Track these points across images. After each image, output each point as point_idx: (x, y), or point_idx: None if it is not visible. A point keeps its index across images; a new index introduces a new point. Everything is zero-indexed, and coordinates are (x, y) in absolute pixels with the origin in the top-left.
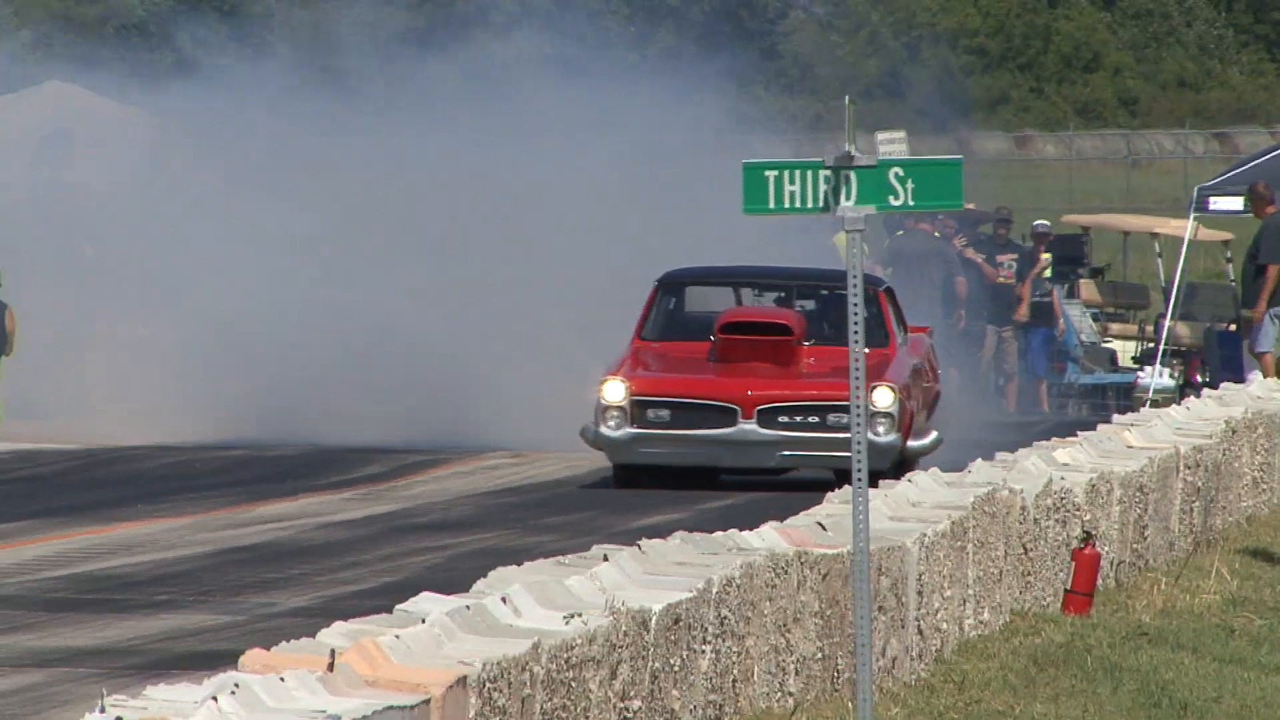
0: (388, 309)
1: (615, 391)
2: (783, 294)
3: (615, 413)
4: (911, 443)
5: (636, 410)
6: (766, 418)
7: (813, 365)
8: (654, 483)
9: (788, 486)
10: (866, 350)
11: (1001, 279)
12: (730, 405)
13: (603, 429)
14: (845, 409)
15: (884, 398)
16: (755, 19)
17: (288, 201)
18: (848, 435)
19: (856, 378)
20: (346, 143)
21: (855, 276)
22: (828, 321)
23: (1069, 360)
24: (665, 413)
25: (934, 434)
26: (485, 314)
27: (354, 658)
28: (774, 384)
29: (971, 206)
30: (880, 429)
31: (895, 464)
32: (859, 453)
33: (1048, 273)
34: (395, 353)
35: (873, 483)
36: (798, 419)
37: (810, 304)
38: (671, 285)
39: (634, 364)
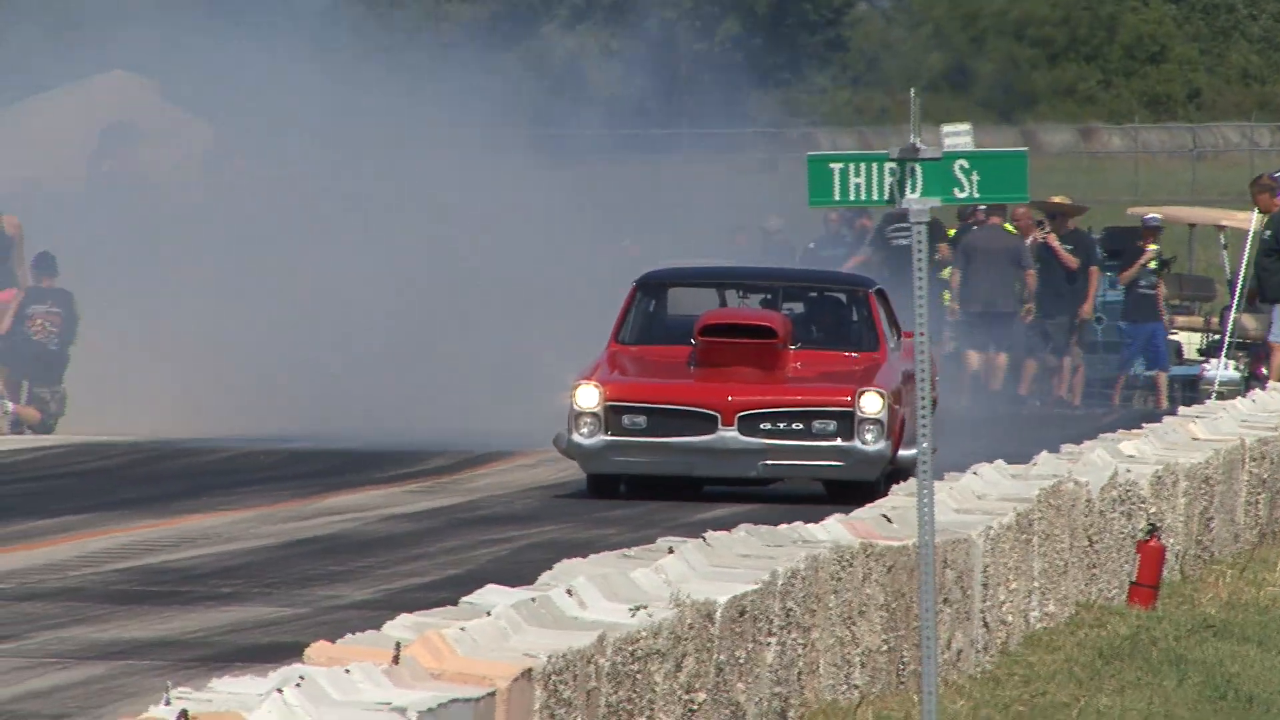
0: (439, 305)
1: (588, 397)
2: (769, 296)
3: (588, 419)
4: (903, 452)
5: (611, 416)
6: (748, 425)
7: (799, 370)
8: (633, 493)
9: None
10: (855, 354)
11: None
12: (709, 411)
13: (575, 436)
14: (832, 416)
15: (872, 403)
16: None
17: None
18: (834, 444)
19: (922, 363)
20: (373, 149)
21: (920, 269)
22: (815, 324)
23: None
24: (641, 419)
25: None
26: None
27: (419, 650)
28: (756, 389)
29: (1056, 199)
30: (868, 436)
31: (885, 474)
32: (924, 440)
33: (1153, 264)
34: (449, 345)
35: (859, 496)
36: (781, 426)
37: (798, 306)
38: (651, 286)
39: (609, 368)
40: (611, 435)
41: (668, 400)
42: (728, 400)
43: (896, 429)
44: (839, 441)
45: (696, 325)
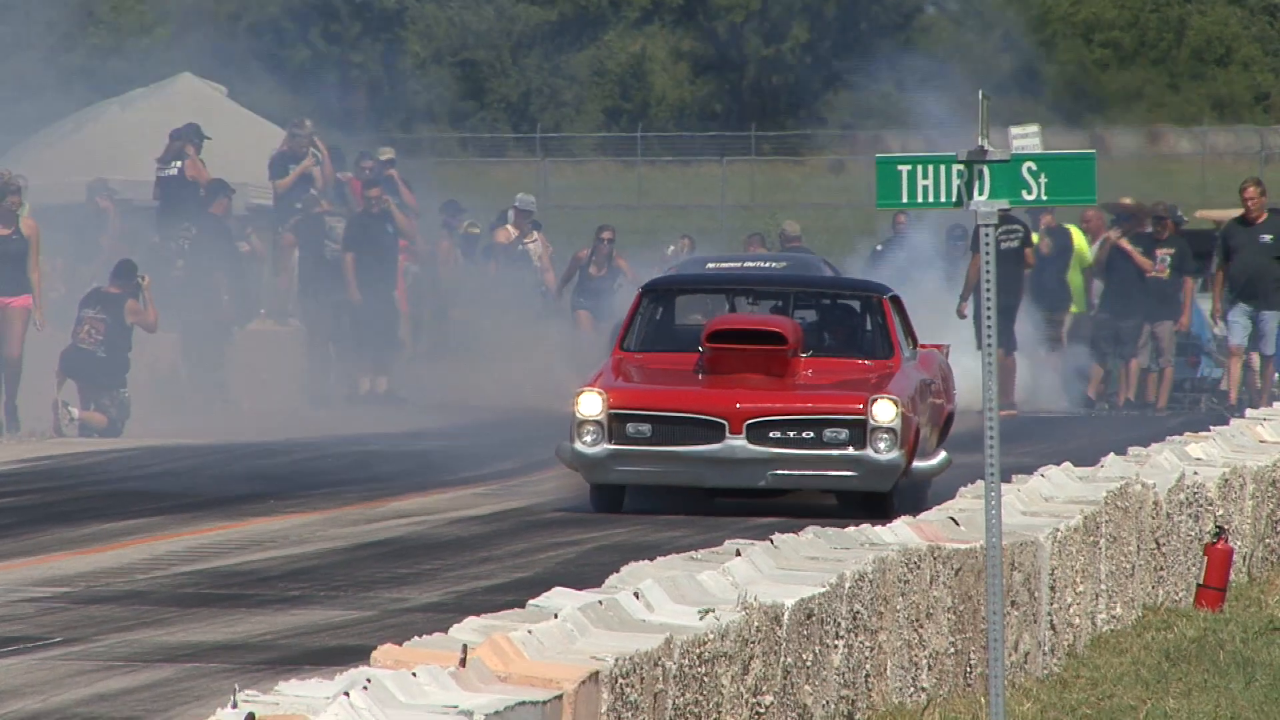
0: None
1: (591, 405)
2: (779, 302)
3: (591, 428)
4: (917, 463)
5: (614, 425)
6: (756, 433)
7: (809, 377)
8: (637, 505)
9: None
10: (868, 362)
11: (1155, 273)
12: (716, 419)
13: (578, 445)
14: (843, 424)
15: (885, 411)
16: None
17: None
18: (845, 453)
19: (989, 359)
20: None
21: (988, 270)
22: (827, 331)
23: (1202, 354)
24: (646, 427)
25: (943, 454)
26: None
27: (486, 653)
28: (765, 396)
29: (1127, 201)
30: (881, 445)
31: (898, 486)
32: (990, 441)
33: None
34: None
35: (872, 510)
36: (790, 434)
37: (809, 313)
38: (657, 292)
39: (613, 375)
40: (615, 444)
41: (673, 408)
42: (735, 408)
43: (911, 439)
44: (850, 451)
45: (704, 331)
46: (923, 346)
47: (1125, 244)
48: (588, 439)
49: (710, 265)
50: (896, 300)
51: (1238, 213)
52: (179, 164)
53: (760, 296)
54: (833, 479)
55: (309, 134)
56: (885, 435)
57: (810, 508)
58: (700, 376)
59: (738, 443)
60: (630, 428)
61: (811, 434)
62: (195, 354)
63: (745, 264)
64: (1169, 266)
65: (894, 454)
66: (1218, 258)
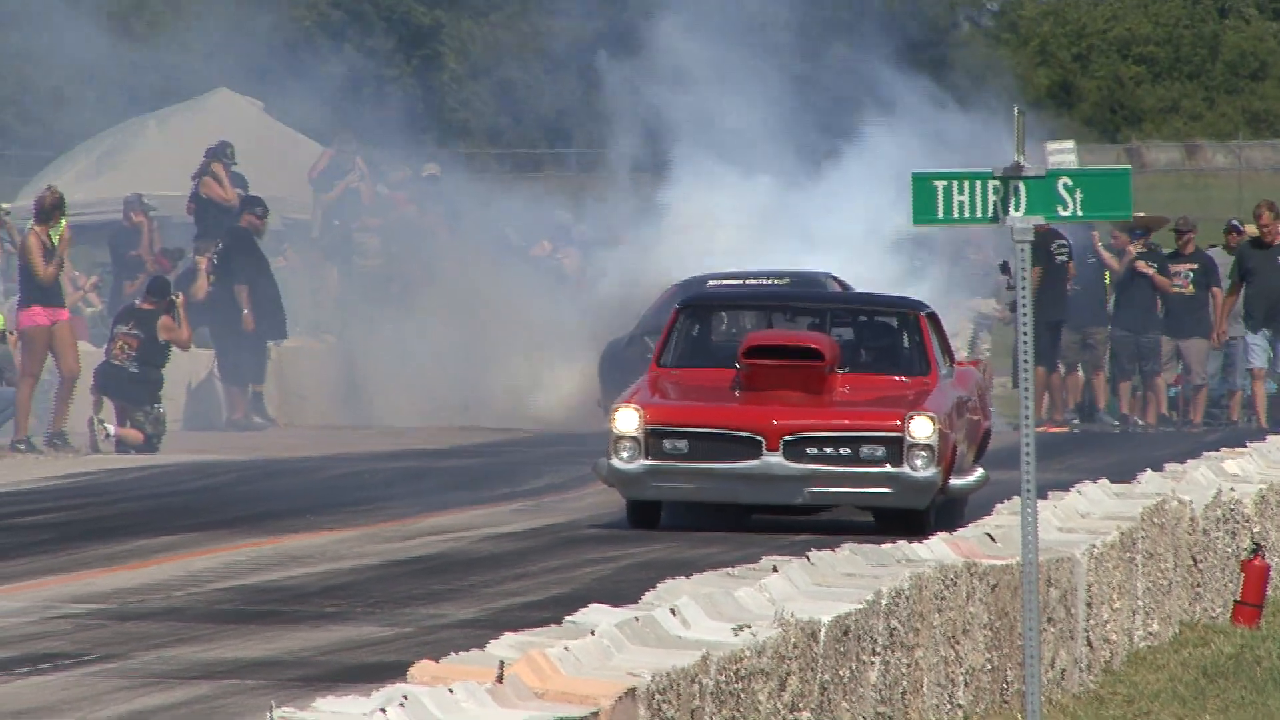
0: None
1: (628, 420)
2: (816, 319)
3: (628, 444)
4: (954, 480)
5: (651, 441)
6: (793, 450)
7: (846, 394)
8: (674, 521)
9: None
10: (905, 379)
11: (1176, 288)
12: (753, 436)
13: (614, 461)
14: (880, 441)
15: (922, 428)
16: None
17: None
18: (882, 470)
19: (1026, 375)
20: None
21: (1024, 287)
22: (864, 348)
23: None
24: (682, 443)
25: (980, 471)
26: None
27: (523, 669)
28: (802, 413)
29: (1140, 215)
30: (918, 462)
31: (935, 504)
32: (1027, 457)
33: None
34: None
35: (909, 526)
36: (827, 451)
37: (846, 329)
38: (694, 308)
39: (649, 391)
40: (652, 460)
41: (710, 424)
42: (772, 424)
43: (948, 456)
44: (888, 467)
45: (740, 347)
46: (959, 364)
47: (1143, 266)
48: (624, 455)
49: (712, 284)
50: (934, 317)
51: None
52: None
53: (797, 313)
54: (869, 496)
55: (353, 150)
56: (922, 452)
57: (847, 525)
58: (737, 393)
59: (774, 459)
60: (667, 444)
61: (848, 451)
62: (230, 370)
63: (747, 281)
64: (1191, 281)
65: (930, 471)
66: (1232, 280)
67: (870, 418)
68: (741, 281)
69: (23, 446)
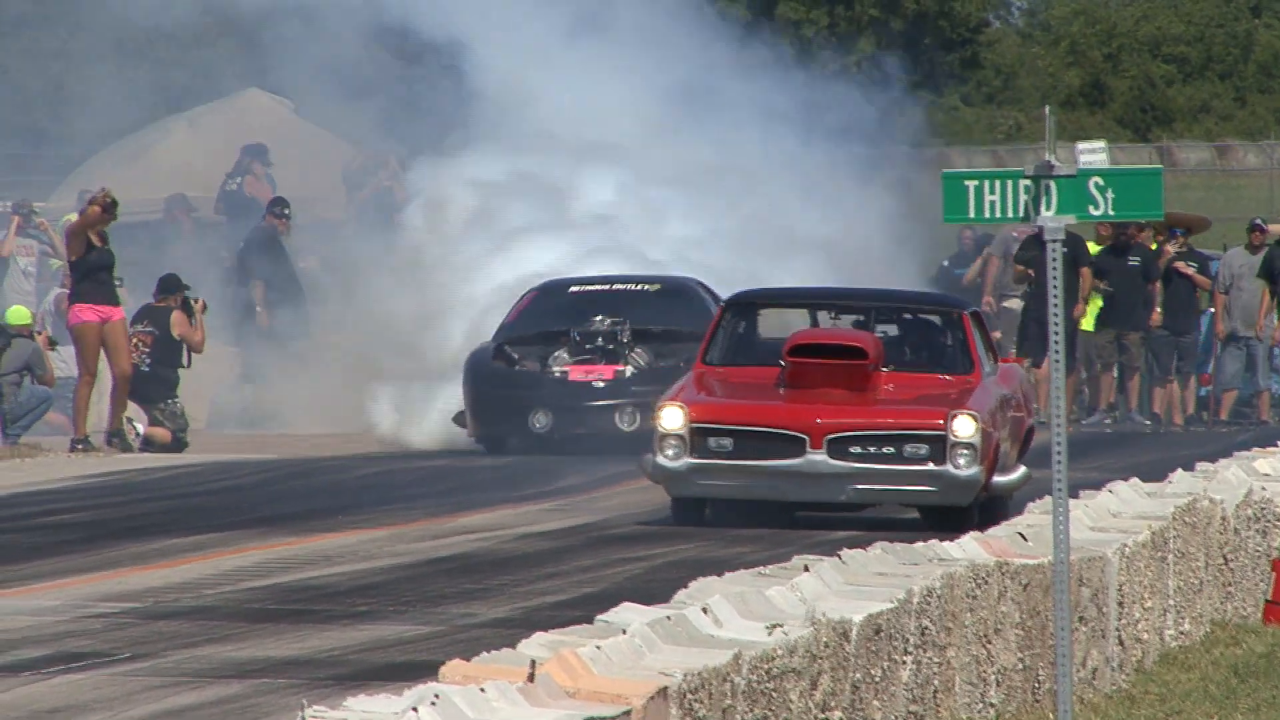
0: None
1: (673, 418)
2: (861, 317)
3: (673, 441)
4: (997, 478)
5: (696, 439)
6: (837, 448)
7: (890, 392)
8: (719, 518)
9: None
10: (949, 377)
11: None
12: (797, 434)
13: (660, 459)
14: (924, 439)
15: (965, 427)
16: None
17: None
18: (925, 468)
19: (1057, 375)
20: None
21: (1055, 285)
22: (908, 346)
23: (1273, 370)
24: (727, 441)
25: (1022, 469)
26: None
27: (554, 668)
28: (845, 411)
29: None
30: (960, 461)
31: (978, 501)
32: (1059, 456)
33: None
34: None
35: (952, 524)
36: (871, 449)
37: (890, 327)
38: (740, 306)
39: (695, 389)
40: (697, 458)
41: (754, 422)
42: (816, 422)
43: (991, 454)
44: (931, 466)
45: (785, 346)
46: (1003, 361)
47: (1183, 267)
48: (669, 452)
49: (574, 289)
50: (977, 315)
51: None
52: (239, 180)
53: (841, 311)
54: (912, 494)
55: (385, 150)
56: (965, 450)
57: (891, 522)
58: (781, 391)
59: (818, 457)
60: (712, 441)
61: (892, 449)
62: (255, 368)
63: (613, 286)
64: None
65: (973, 469)
66: (1263, 279)
67: (913, 416)
68: (608, 286)
69: (81, 446)
